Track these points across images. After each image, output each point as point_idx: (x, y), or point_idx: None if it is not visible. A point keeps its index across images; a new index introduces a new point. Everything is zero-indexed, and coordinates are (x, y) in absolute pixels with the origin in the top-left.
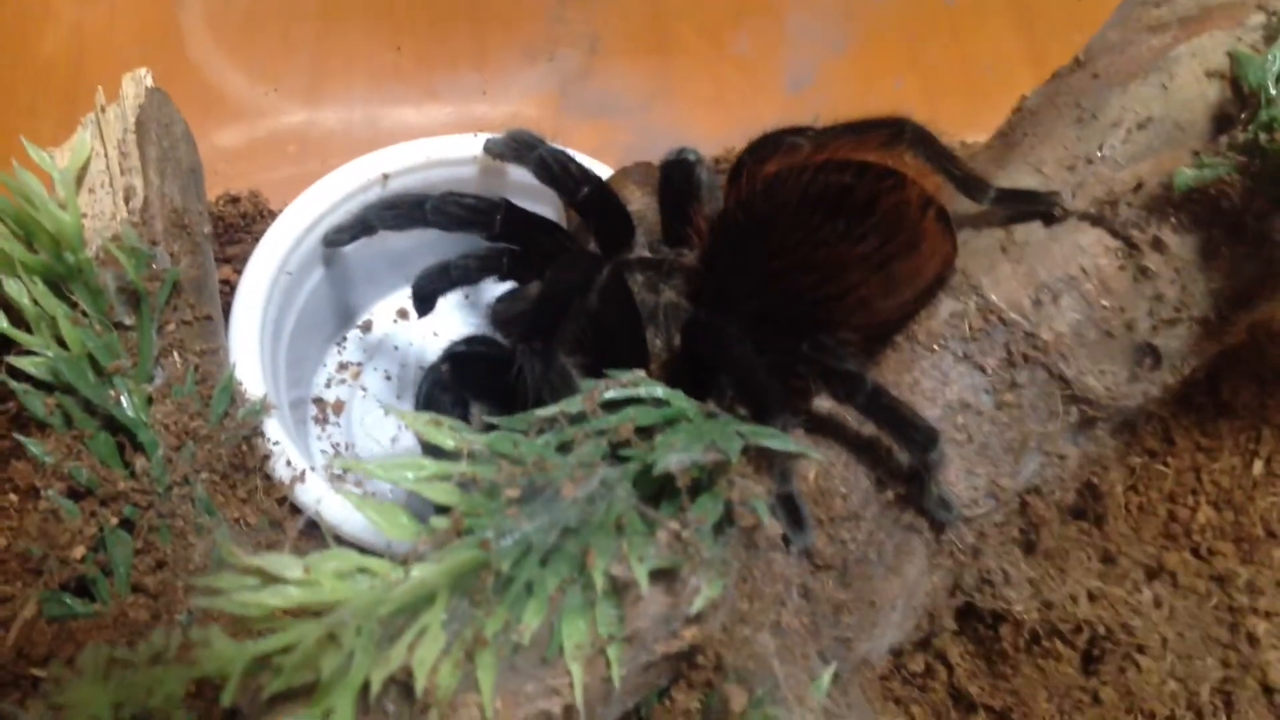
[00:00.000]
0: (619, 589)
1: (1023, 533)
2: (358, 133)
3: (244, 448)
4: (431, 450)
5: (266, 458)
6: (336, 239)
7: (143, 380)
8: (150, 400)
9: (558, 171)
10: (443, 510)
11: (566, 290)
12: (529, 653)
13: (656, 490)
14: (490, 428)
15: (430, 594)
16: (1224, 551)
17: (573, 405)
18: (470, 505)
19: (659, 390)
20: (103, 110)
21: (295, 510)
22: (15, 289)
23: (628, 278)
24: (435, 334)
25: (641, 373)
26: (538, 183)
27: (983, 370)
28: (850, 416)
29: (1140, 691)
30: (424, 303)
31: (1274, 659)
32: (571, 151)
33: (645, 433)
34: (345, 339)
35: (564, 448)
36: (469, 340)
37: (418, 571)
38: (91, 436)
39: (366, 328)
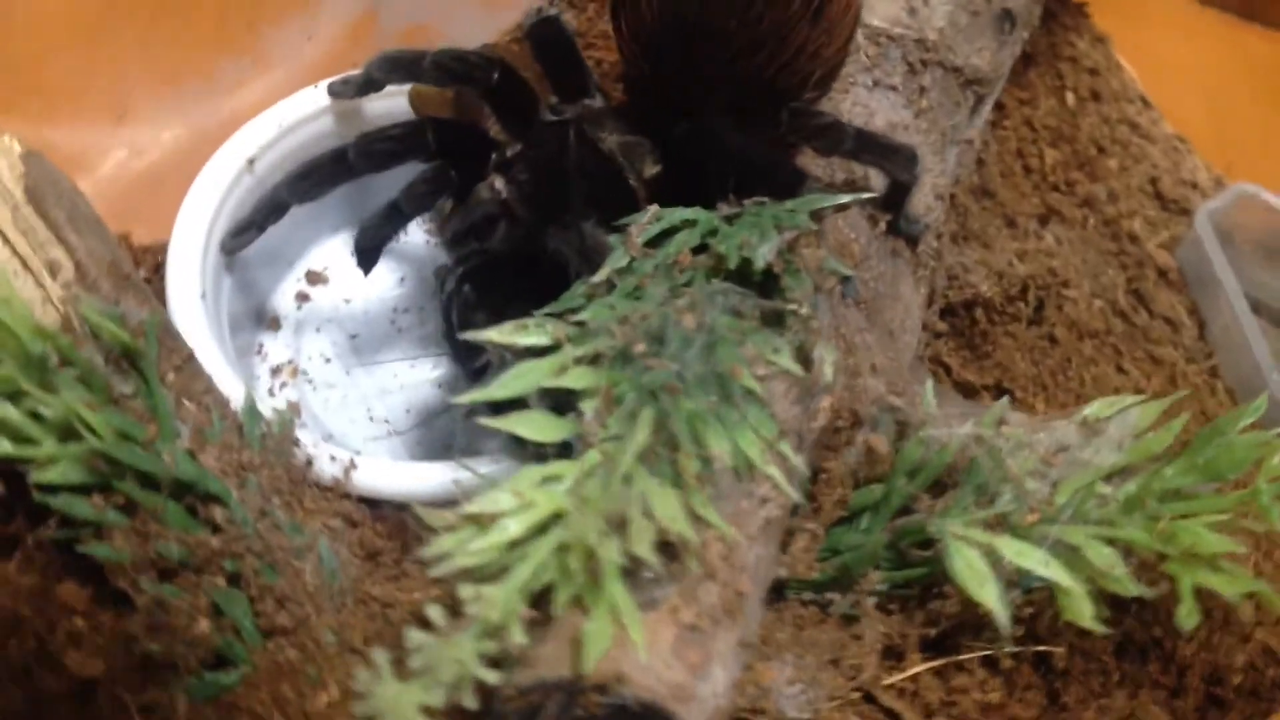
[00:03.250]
0: (758, 394)
1: (958, 224)
2: (209, 133)
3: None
4: None
5: (309, 462)
6: (239, 241)
7: (171, 438)
8: (193, 454)
9: (462, 69)
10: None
11: (553, 161)
12: (722, 479)
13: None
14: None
15: (626, 471)
16: (1078, 179)
17: (618, 259)
18: (610, 378)
19: (682, 213)
20: None
21: (363, 500)
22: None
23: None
24: (347, 300)
25: (656, 207)
26: (395, 109)
27: (894, 89)
28: (821, 169)
29: (1079, 319)
30: (369, 256)
31: (1154, 246)
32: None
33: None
34: (261, 346)
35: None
36: (471, 254)
37: (597, 455)
38: (162, 510)
39: (274, 325)
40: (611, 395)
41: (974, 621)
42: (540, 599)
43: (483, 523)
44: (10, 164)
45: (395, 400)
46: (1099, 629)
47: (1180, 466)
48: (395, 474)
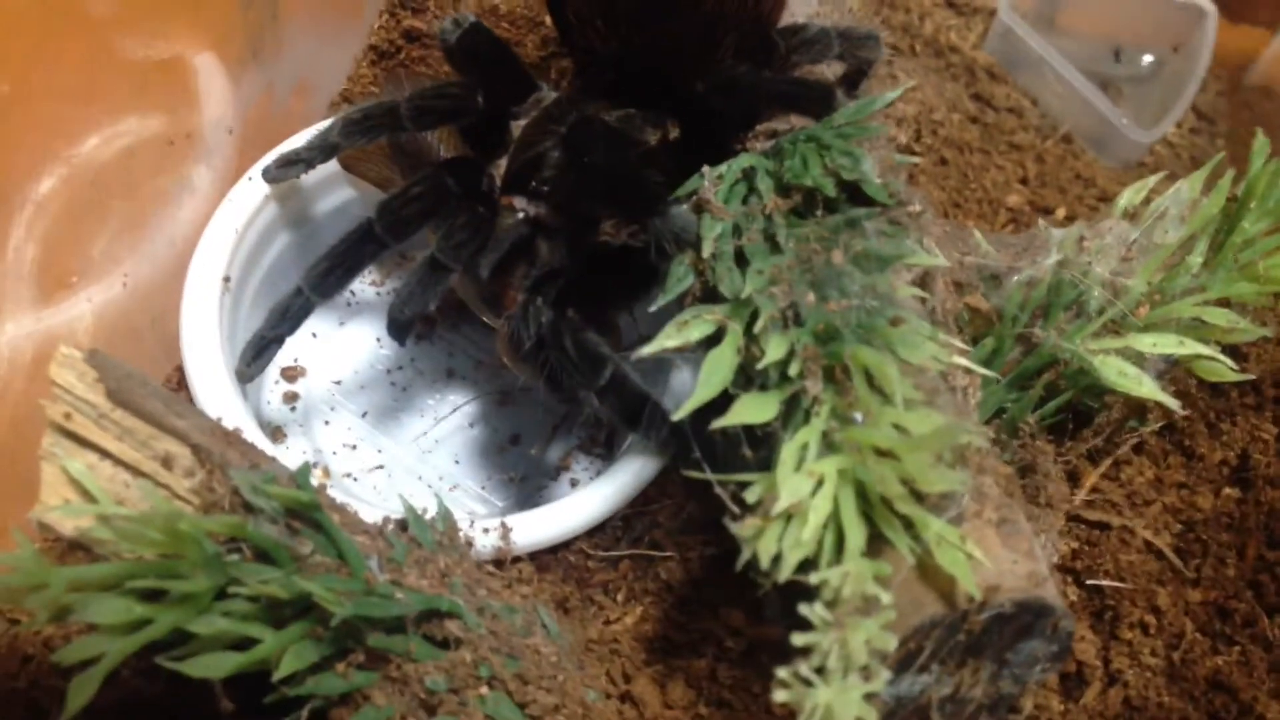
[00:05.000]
0: (918, 297)
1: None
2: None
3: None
4: None
5: (469, 543)
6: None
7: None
8: (398, 583)
9: (448, 105)
10: None
11: (574, 159)
12: (930, 385)
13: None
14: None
15: (866, 412)
16: (886, 13)
17: (712, 228)
18: (796, 337)
19: (740, 163)
20: (60, 431)
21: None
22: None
23: None
24: (336, 382)
25: (722, 166)
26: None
27: None
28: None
29: (952, 136)
30: (407, 327)
31: (970, 49)
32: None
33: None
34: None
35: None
36: (543, 281)
37: (825, 411)
38: (414, 649)
39: (279, 436)
40: (812, 352)
41: (1120, 420)
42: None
43: (793, 513)
44: (80, 373)
45: (440, 456)
46: (1236, 377)
47: (1252, 216)
48: (548, 520)
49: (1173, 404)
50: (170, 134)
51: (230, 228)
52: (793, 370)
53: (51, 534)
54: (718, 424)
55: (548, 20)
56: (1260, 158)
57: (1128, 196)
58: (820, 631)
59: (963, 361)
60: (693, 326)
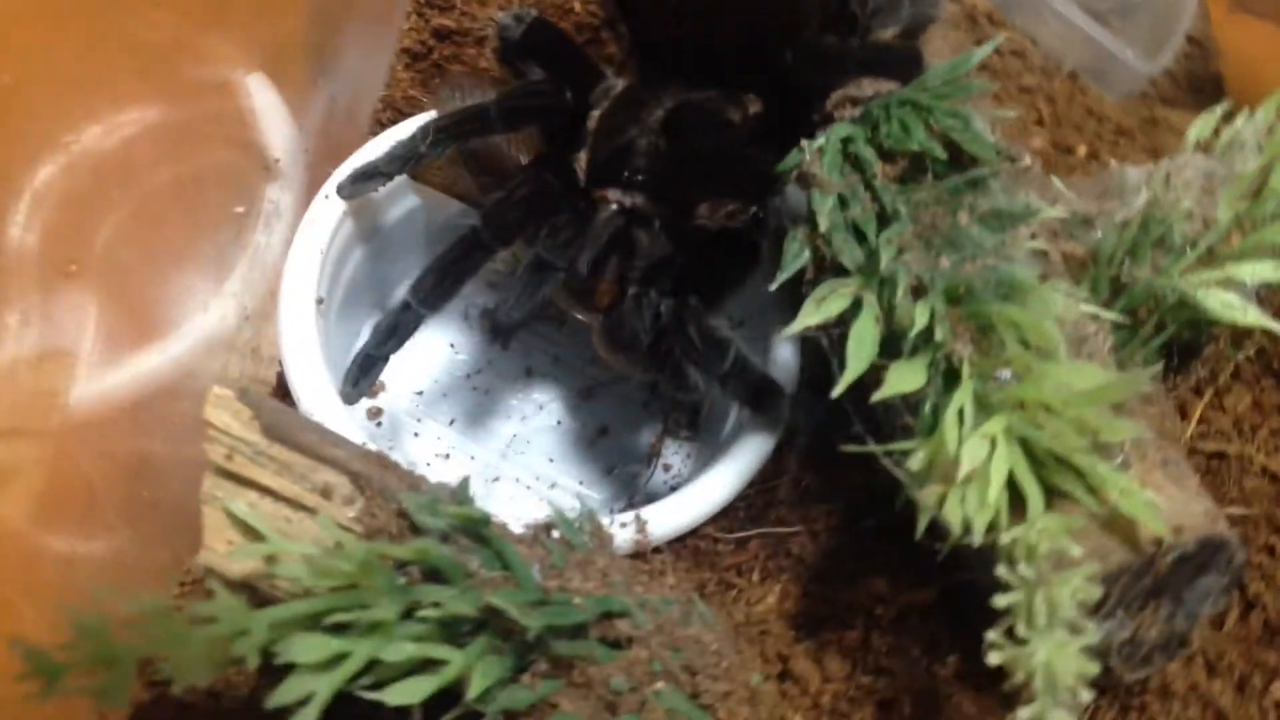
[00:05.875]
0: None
1: None
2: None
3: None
4: None
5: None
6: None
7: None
8: (565, 588)
9: (538, 102)
10: None
11: (674, 144)
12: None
13: None
14: None
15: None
16: None
17: (824, 203)
18: (933, 304)
19: (839, 132)
20: (220, 473)
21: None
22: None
23: None
24: (418, 392)
25: (820, 138)
26: None
27: None
28: None
29: None
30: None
31: None
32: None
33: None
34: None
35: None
36: (660, 265)
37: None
38: (596, 653)
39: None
40: (957, 314)
41: (1222, 350)
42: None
43: (973, 479)
44: (235, 412)
45: (533, 456)
46: None
47: None
48: (681, 508)
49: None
50: (245, 161)
51: (315, 249)
52: (939, 334)
53: (219, 578)
54: (877, 396)
55: (577, 6)
56: None
57: (1197, 129)
58: (1023, 590)
59: (1092, 308)
60: (830, 301)
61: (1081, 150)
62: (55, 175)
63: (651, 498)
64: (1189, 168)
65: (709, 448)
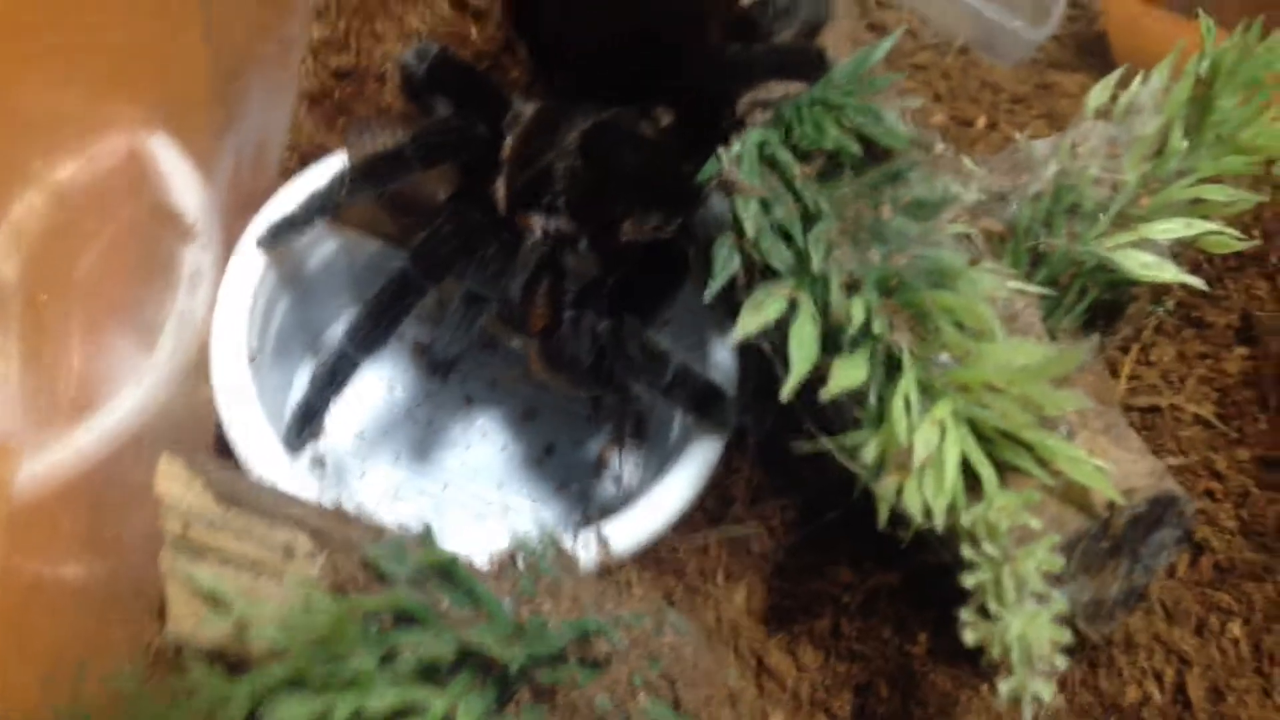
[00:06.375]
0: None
1: None
2: None
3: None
4: None
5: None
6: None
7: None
8: (539, 614)
9: (453, 139)
10: None
11: (589, 166)
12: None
13: None
14: None
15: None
16: None
17: (748, 208)
18: (866, 301)
19: (754, 138)
20: (178, 545)
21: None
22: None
23: None
24: (359, 434)
25: (735, 145)
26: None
27: None
28: None
29: None
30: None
31: None
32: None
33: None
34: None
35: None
36: (592, 285)
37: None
38: (577, 676)
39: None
40: (893, 305)
41: (1143, 308)
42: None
43: (928, 464)
44: (186, 481)
45: (482, 482)
46: (1244, 245)
47: (1223, 91)
48: (641, 520)
49: (1198, 283)
50: (159, 225)
51: (241, 304)
52: (877, 327)
53: (191, 649)
54: (825, 394)
55: (474, 33)
56: (1211, 36)
57: (1095, 96)
58: (989, 568)
59: (1018, 284)
60: (767, 305)
61: (981, 121)
62: None
63: (605, 510)
64: (1092, 135)
65: (657, 454)
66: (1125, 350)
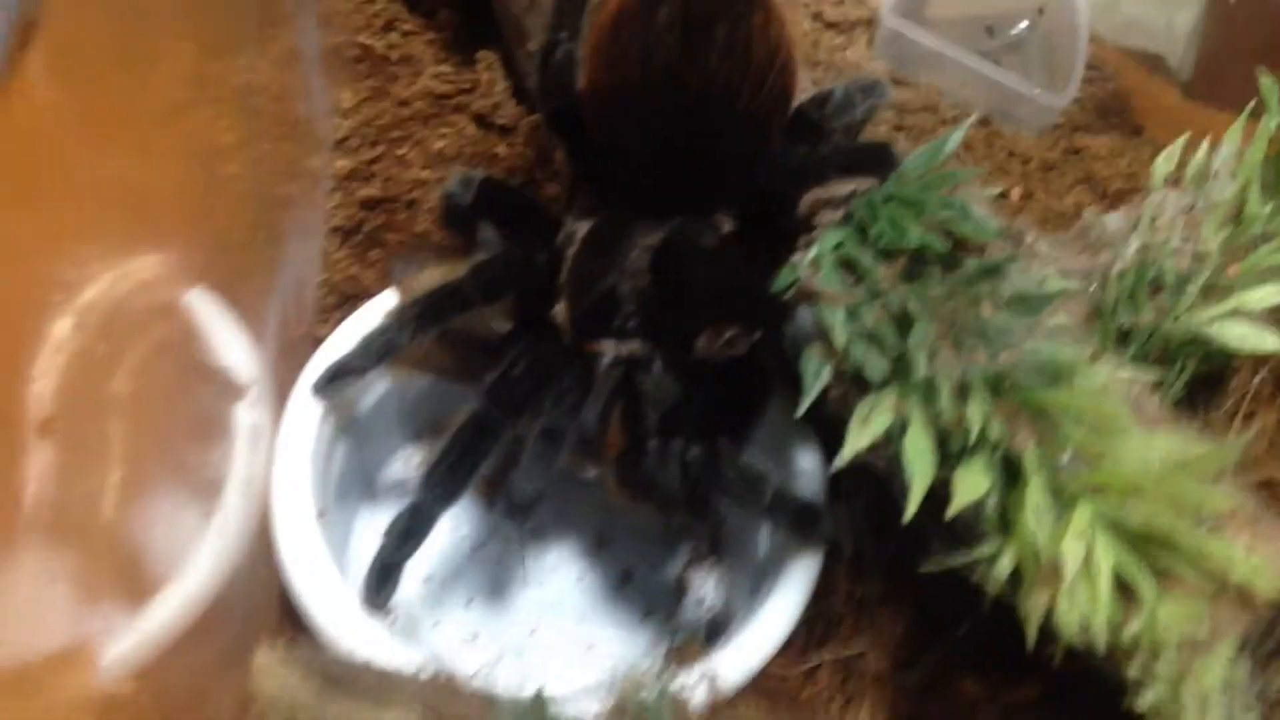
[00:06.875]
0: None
1: None
2: None
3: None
4: None
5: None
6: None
7: None
8: None
9: (516, 268)
10: None
11: (719, 270)
12: None
13: None
14: None
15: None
16: None
17: (835, 317)
18: (979, 405)
19: (829, 241)
20: None
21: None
22: None
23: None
24: (425, 580)
25: (812, 249)
26: None
27: None
28: None
29: None
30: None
31: (868, 64)
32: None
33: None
34: None
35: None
36: (676, 410)
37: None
38: None
39: None
40: (1008, 409)
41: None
42: None
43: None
44: (283, 675)
45: (563, 619)
46: None
47: None
48: (746, 650)
49: None
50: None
51: (303, 459)
52: (995, 432)
53: None
54: (953, 510)
55: (502, 150)
56: (1275, 96)
57: (1162, 165)
58: (1164, 686)
59: (1130, 372)
60: (874, 419)
61: (1016, 193)
62: None
63: (694, 636)
64: (1167, 206)
65: (743, 571)
66: (1227, 427)
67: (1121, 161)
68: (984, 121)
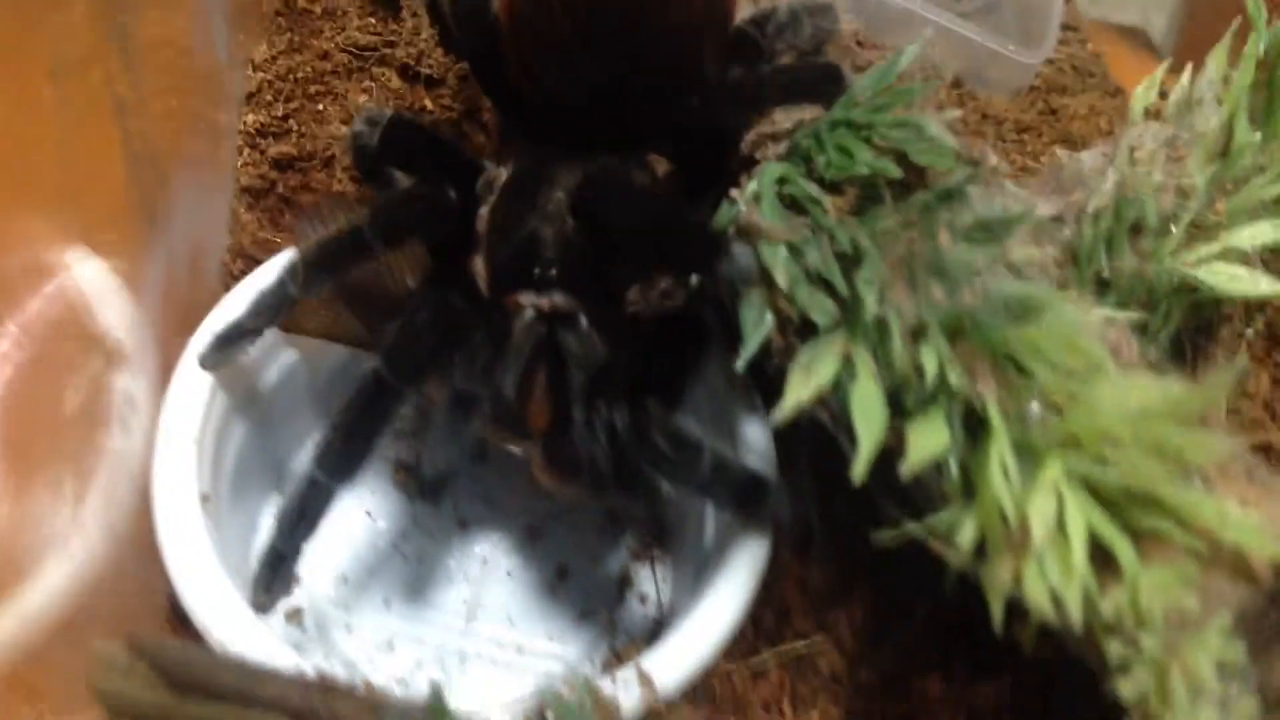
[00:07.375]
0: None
1: None
2: None
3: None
4: None
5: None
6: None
7: None
8: None
9: (419, 210)
10: None
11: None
12: None
13: None
14: None
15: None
16: None
17: (778, 256)
18: (934, 346)
19: (771, 173)
20: None
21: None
22: None
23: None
24: (344, 579)
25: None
26: None
27: None
28: None
29: None
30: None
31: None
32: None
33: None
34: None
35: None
36: (604, 372)
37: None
38: None
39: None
40: (968, 352)
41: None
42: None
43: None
44: (129, 672)
45: (489, 621)
46: None
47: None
48: (686, 648)
49: None
50: (80, 353)
51: (187, 437)
52: (953, 379)
53: None
54: (907, 470)
55: (429, 103)
56: (1261, 15)
57: (1142, 95)
58: (1149, 667)
59: (1106, 311)
60: (818, 367)
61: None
62: None
63: (637, 637)
64: (1147, 138)
65: (689, 560)
66: None
67: (1101, 120)
68: (955, 83)
